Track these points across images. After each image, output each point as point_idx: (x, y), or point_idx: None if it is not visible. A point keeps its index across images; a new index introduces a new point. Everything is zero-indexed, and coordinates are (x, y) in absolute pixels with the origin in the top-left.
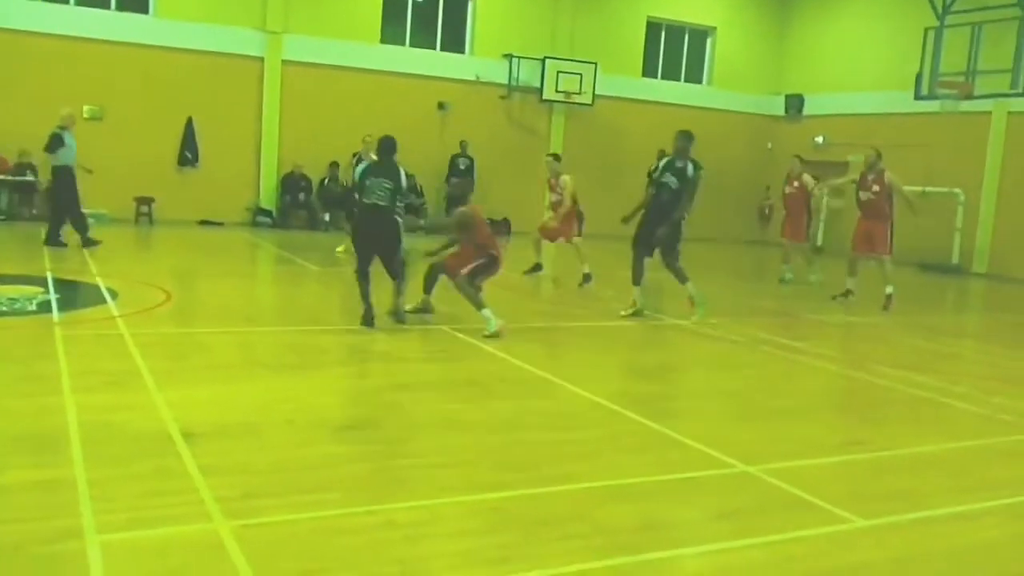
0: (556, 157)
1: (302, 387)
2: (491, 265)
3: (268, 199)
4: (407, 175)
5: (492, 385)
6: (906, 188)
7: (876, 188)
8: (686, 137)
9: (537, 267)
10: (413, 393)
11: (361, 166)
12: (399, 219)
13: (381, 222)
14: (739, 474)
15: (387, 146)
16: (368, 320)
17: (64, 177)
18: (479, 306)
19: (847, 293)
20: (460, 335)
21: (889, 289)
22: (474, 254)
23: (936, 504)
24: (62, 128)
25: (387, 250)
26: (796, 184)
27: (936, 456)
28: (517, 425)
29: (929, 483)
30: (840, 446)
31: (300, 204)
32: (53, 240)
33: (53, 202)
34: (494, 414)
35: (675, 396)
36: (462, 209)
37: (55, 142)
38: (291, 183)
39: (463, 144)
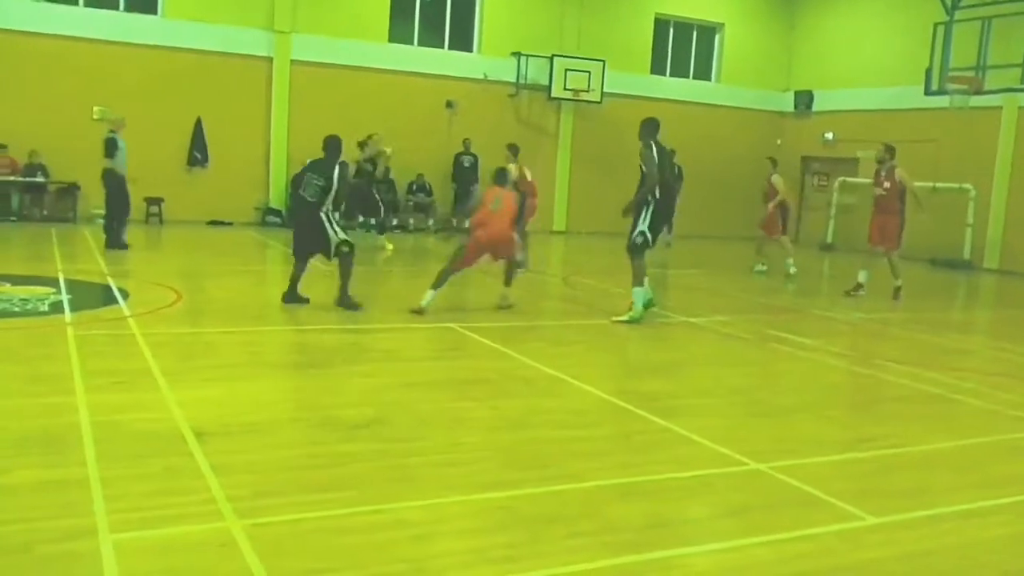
0: (512, 148)
1: (311, 386)
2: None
3: (277, 199)
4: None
5: (500, 383)
6: (917, 184)
7: (887, 184)
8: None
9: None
10: (422, 391)
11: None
12: (323, 215)
13: (307, 215)
14: (749, 471)
15: (329, 144)
16: (287, 298)
17: (119, 180)
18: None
19: (858, 287)
20: (468, 333)
21: (898, 282)
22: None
23: (946, 501)
24: (113, 132)
25: (312, 243)
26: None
27: (946, 453)
28: (525, 423)
29: (939, 480)
30: (849, 443)
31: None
32: (115, 243)
33: (110, 206)
34: (502, 412)
35: (684, 393)
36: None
37: (111, 146)
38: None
39: (466, 142)
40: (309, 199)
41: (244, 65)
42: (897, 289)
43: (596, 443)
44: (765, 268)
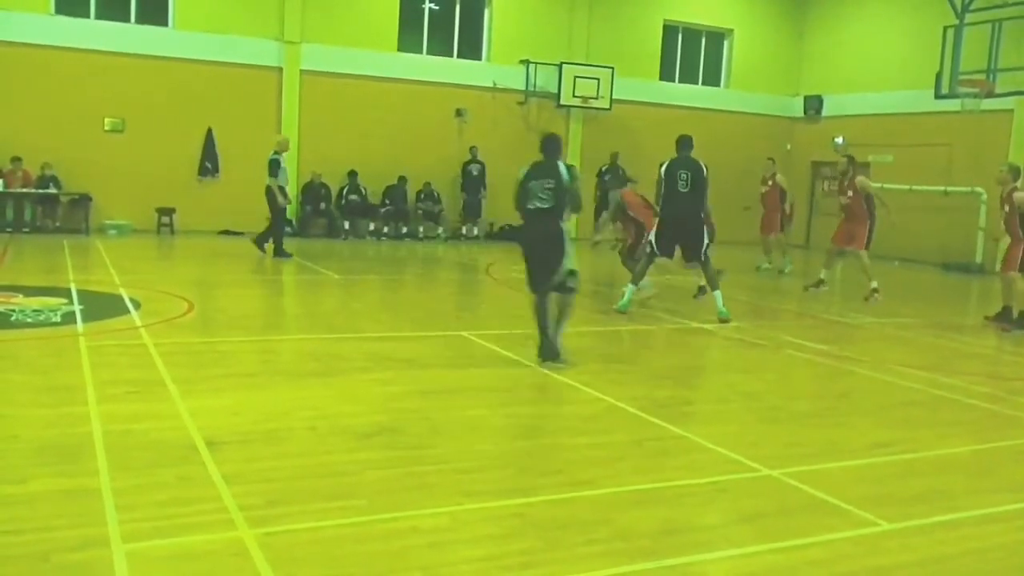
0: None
1: (324, 394)
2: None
3: (288, 208)
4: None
5: (514, 391)
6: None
7: (850, 193)
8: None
9: None
10: (435, 399)
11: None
12: (564, 226)
13: (542, 228)
14: (762, 478)
15: (549, 144)
16: (545, 354)
17: (279, 197)
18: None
19: (819, 283)
20: (481, 341)
21: (873, 284)
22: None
23: (962, 506)
24: (277, 153)
25: (554, 261)
26: (770, 183)
27: (962, 457)
28: (539, 430)
29: (954, 485)
30: (864, 449)
31: (320, 212)
32: (280, 253)
33: (273, 219)
34: (516, 419)
35: (698, 400)
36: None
37: (273, 166)
38: (311, 192)
39: (473, 150)
40: (547, 207)
41: (254, 75)
42: (873, 290)
43: (610, 450)
44: (768, 267)
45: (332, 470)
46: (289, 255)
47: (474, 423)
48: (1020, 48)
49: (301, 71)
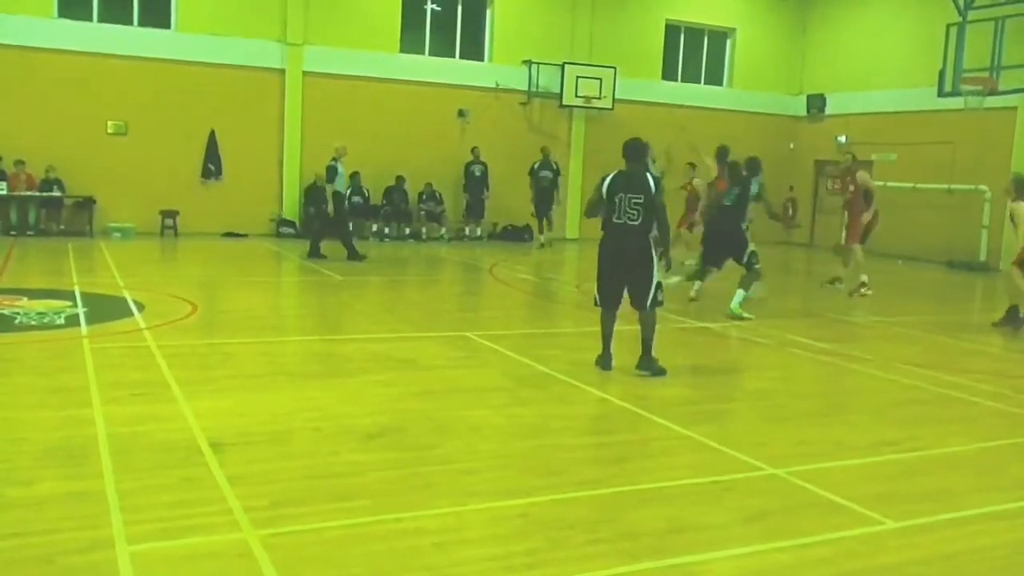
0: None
1: (328, 396)
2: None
3: (291, 210)
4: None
5: (517, 390)
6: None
7: (851, 188)
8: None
9: None
10: (438, 400)
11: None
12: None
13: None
14: (767, 476)
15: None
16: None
17: (339, 202)
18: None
19: (835, 280)
20: (484, 341)
21: (863, 278)
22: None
23: (967, 504)
24: (335, 159)
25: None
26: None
27: (967, 456)
28: (543, 430)
29: (960, 483)
30: (869, 447)
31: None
32: (315, 254)
33: (320, 223)
34: (520, 419)
35: (703, 399)
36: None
37: (331, 172)
38: (314, 194)
39: (475, 150)
40: (636, 223)
41: (257, 77)
42: (861, 285)
43: (614, 449)
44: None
45: (336, 471)
46: (325, 256)
47: (477, 423)
48: (1023, 45)
49: (304, 72)
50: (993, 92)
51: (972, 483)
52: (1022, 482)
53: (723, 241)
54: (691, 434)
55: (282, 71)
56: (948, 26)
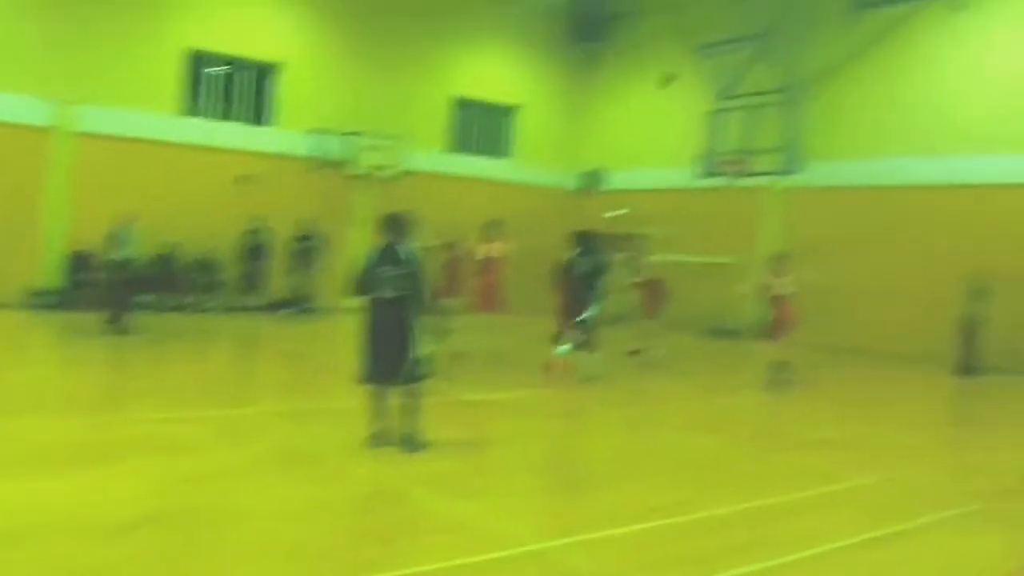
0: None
1: (74, 485)
2: None
3: (50, 279)
4: None
5: (286, 471)
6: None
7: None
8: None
9: None
10: (204, 484)
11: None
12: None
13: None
14: (528, 554)
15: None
16: None
17: (125, 269)
18: None
19: (637, 352)
20: (254, 418)
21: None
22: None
23: (726, 566)
24: (125, 225)
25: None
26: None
27: (728, 517)
28: (310, 514)
29: (722, 543)
30: (640, 514)
31: (93, 283)
32: (115, 326)
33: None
34: (287, 503)
35: (482, 472)
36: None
37: (117, 238)
38: (82, 261)
39: (257, 218)
40: (392, 296)
41: (11, 135)
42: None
43: (379, 530)
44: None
45: (81, 571)
46: (127, 331)
47: (243, 510)
48: (774, 131)
49: (76, 133)
50: (744, 174)
51: (735, 541)
52: (775, 540)
53: None
54: (453, 510)
55: (45, 129)
56: (706, 113)
